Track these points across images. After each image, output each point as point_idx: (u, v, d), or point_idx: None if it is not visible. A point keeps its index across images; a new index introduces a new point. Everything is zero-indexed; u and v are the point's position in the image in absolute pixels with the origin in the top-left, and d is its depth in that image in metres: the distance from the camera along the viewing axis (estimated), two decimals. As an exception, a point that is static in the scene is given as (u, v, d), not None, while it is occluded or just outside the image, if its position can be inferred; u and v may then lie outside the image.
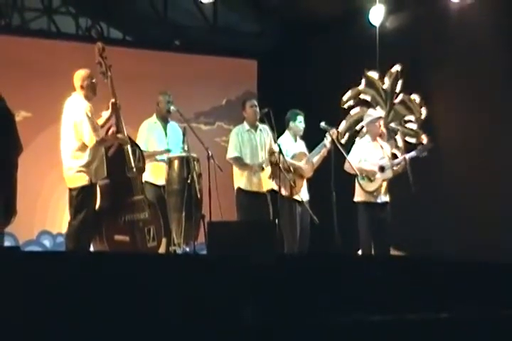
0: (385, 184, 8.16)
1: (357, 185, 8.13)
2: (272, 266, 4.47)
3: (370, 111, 9.00)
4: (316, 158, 8.27)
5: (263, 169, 8.12)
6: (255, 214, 8.05)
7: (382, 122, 8.42)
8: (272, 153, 8.10)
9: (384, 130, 8.62)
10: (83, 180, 6.75)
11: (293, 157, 8.23)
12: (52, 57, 9.92)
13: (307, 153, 8.35)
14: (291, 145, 8.33)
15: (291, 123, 8.38)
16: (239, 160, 8.18)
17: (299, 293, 4.33)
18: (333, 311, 4.33)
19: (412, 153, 8.14)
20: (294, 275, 4.47)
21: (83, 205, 6.75)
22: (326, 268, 4.70)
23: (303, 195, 8.20)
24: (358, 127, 10.10)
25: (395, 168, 8.11)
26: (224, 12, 11.05)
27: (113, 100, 7.01)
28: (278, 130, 8.08)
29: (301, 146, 8.44)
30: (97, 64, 7.15)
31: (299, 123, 8.37)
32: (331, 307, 4.35)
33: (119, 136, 7.00)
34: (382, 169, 8.13)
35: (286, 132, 8.42)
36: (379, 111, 8.54)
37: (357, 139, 9.54)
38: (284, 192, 7.94)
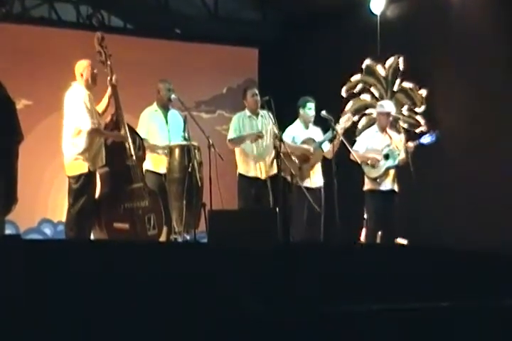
0: (392, 172, 8.14)
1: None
2: (273, 254, 4.48)
3: (384, 102, 8.87)
4: (328, 147, 8.21)
5: (261, 137, 8.12)
6: (255, 200, 8.06)
7: (390, 118, 8.35)
8: (275, 137, 8.04)
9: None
10: (81, 167, 6.77)
11: (301, 143, 8.23)
12: (53, 45, 9.89)
13: (316, 139, 8.32)
14: (301, 132, 8.31)
15: (301, 111, 8.36)
16: (236, 137, 8.20)
17: (300, 282, 4.34)
18: (335, 300, 4.35)
19: (417, 141, 8.10)
20: (295, 263, 4.48)
21: (81, 193, 6.77)
22: (326, 256, 4.71)
23: (315, 180, 8.19)
24: (357, 116, 10.11)
25: (400, 157, 8.06)
26: (225, 0, 11.03)
27: (113, 80, 7.05)
28: (278, 117, 8.07)
29: (313, 133, 8.41)
30: (97, 53, 7.16)
31: (309, 110, 8.32)
32: (333, 296, 4.36)
33: (118, 133, 7.04)
34: (386, 157, 8.12)
35: (297, 119, 8.42)
36: (391, 106, 8.39)
37: (358, 128, 9.57)
38: (288, 178, 7.93)
